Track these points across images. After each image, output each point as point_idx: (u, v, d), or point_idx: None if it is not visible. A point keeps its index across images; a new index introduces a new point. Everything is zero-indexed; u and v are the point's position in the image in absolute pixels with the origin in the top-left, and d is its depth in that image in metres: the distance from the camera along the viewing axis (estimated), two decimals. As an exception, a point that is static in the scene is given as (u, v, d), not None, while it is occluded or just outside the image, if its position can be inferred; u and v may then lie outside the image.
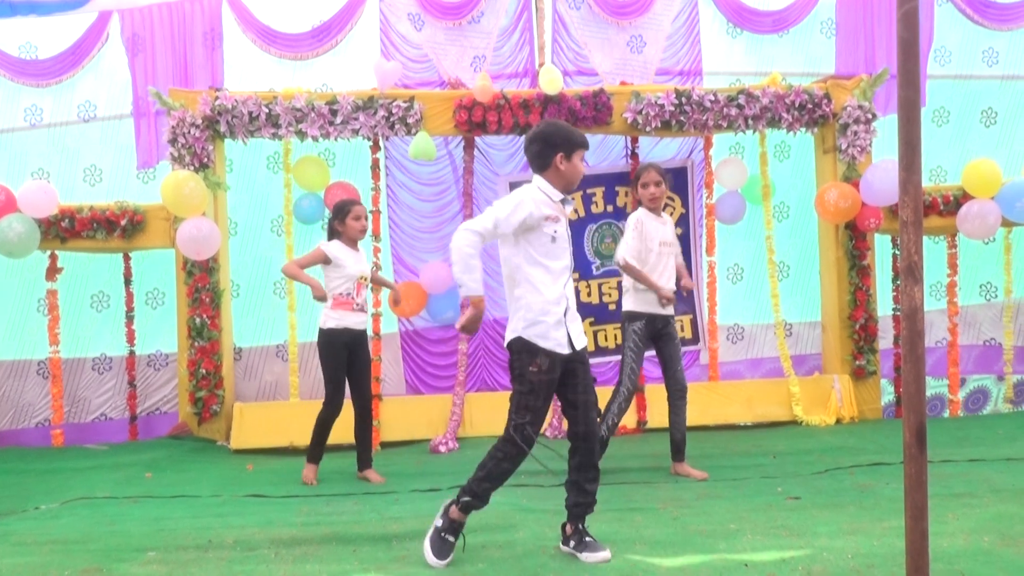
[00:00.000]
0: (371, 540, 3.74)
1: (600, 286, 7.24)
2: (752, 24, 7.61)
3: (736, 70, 7.56)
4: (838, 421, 6.66)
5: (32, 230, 6.19)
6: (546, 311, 3.38)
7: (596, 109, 6.62)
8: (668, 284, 5.09)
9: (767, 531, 3.68)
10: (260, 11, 7.19)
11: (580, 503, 3.47)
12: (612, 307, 7.21)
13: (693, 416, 6.69)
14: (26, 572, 3.40)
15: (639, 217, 5.08)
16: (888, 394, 7.27)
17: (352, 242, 5.22)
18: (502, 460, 3.39)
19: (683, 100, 6.68)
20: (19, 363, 7.01)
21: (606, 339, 7.23)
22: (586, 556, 3.38)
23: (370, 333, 5.53)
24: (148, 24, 7.10)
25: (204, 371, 6.43)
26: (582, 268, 7.23)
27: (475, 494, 3.39)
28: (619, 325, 7.18)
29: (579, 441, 3.47)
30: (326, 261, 5.10)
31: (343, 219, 5.17)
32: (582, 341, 3.49)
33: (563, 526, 3.53)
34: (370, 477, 5.23)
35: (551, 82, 6.49)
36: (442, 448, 6.18)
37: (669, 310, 5.12)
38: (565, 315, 3.42)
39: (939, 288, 7.28)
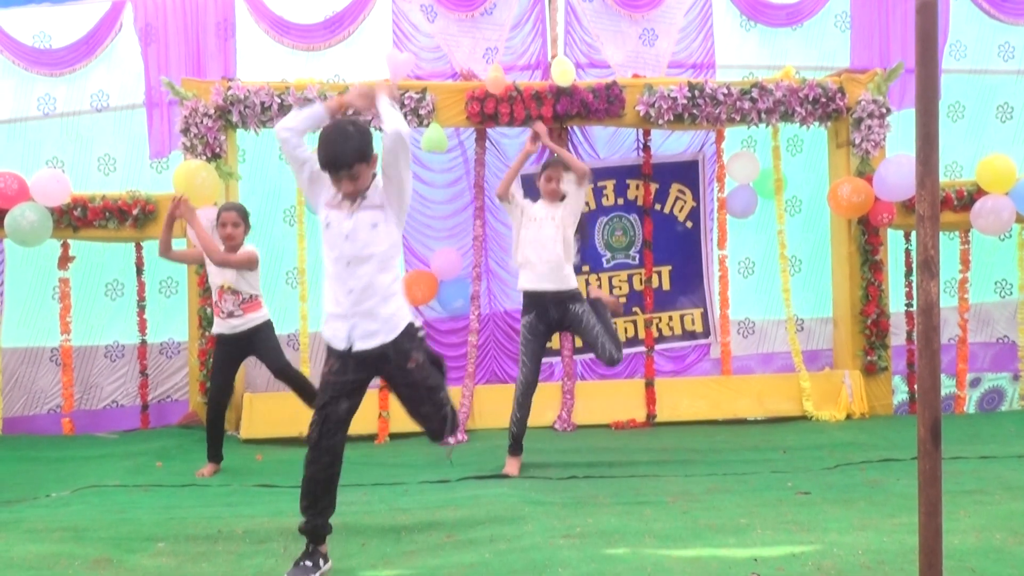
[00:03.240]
0: (380, 532, 3.75)
1: (611, 279, 7.23)
2: (766, 17, 7.57)
3: (749, 63, 7.52)
4: (848, 417, 6.63)
5: (45, 219, 6.21)
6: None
7: (608, 101, 6.59)
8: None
9: (777, 526, 3.66)
10: (273, 2, 7.20)
11: None
12: (622, 300, 7.19)
13: (703, 410, 6.75)
14: (37, 560, 3.42)
15: None
16: (901, 392, 7.23)
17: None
18: None
19: (696, 93, 6.64)
20: (33, 350, 7.06)
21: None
22: None
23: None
24: (161, 14, 7.12)
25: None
26: (592, 261, 7.22)
27: None
28: (630, 319, 7.20)
29: None
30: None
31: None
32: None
33: None
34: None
35: (563, 74, 6.46)
36: (451, 440, 6.18)
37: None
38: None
39: (952, 285, 7.22)
